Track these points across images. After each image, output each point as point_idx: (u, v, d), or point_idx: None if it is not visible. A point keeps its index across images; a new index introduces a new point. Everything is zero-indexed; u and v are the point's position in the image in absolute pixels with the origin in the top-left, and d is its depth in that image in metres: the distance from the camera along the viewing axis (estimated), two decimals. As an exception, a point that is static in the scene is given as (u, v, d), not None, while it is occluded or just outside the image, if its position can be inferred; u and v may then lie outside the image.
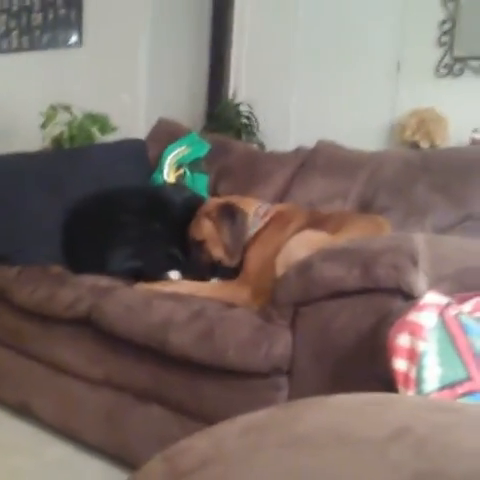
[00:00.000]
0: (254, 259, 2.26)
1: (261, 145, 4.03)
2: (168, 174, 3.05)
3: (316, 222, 2.23)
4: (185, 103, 4.52)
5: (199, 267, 2.38)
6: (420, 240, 1.63)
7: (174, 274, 2.35)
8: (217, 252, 2.38)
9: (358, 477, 0.60)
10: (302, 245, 1.97)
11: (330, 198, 2.61)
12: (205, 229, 2.41)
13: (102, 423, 2.14)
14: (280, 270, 1.90)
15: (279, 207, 2.47)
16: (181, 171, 3.03)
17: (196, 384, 1.90)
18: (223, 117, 4.08)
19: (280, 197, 2.69)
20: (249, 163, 2.94)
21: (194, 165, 3.03)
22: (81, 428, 2.22)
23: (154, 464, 0.74)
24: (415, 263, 1.53)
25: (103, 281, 2.25)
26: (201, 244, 2.41)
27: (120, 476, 2.11)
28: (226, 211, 2.41)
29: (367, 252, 1.61)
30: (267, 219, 2.40)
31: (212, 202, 2.52)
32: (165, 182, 3.01)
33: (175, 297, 2.05)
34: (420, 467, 0.60)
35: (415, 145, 3.59)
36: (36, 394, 2.36)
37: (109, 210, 2.56)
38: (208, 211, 2.43)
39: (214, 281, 2.31)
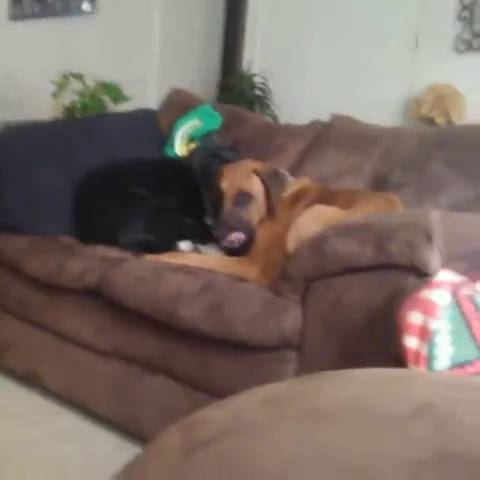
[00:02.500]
0: (264, 235, 2.25)
1: (274, 118, 3.99)
2: (180, 148, 3.02)
3: (327, 198, 2.21)
4: (198, 73, 4.48)
5: (232, 222, 2.26)
6: (435, 217, 1.61)
7: (185, 245, 2.34)
8: (261, 209, 2.33)
9: (379, 452, 0.60)
10: (313, 220, 1.96)
11: (343, 172, 2.58)
12: (255, 184, 2.34)
13: (110, 394, 2.15)
14: (291, 245, 1.89)
15: (292, 183, 2.44)
16: (193, 145, 3.00)
17: (204, 357, 1.90)
18: (236, 88, 4.04)
19: (293, 170, 2.66)
20: (263, 135, 2.92)
21: (206, 138, 3.00)
22: (89, 398, 2.23)
23: (171, 434, 0.74)
24: (430, 240, 1.52)
25: (113, 252, 2.25)
26: (249, 198, 2.32)
27: (128, 446, 2.12)
28: (275, 172, 2.38)
29: (381, 228, 1.59)
30: None
31: (251, 162, 2.46)
32: (177, 156, 2.99)
33: (185, 270, 2.04)
34: (442, 445, 0.60)
35: (431, 121, 3.55)
36: (45, 364, 2.37)
37: (121, 182, 2.56)
38: (256, 168, 2.37)
39: (223, 256, 2.29)
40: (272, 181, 2.34)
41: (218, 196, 2.35)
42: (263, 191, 2.34)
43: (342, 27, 4.05)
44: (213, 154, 2.65)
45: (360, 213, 1.97)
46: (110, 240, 2.35)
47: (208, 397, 1.89)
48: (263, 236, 2.24)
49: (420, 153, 2.47)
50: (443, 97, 3.53)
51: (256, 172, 2.36)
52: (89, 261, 2.18)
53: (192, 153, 2.90)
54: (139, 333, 2.05)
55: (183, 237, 2.39)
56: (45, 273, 2.26)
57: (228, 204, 2.31)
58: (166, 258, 2.17)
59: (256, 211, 2.32)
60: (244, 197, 2.32)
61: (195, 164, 2.65)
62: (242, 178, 2.35)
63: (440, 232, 1.56)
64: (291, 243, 1.90)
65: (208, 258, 2.23)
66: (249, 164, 2.42)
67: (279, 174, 2.39)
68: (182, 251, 2.32)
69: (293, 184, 2.40)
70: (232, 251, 2.27)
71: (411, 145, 2.52)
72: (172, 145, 3.02)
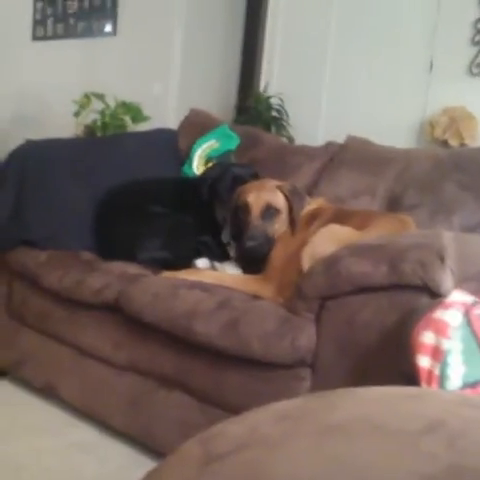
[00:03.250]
0: (280, 253, 2.27)
1: (291, 139, 4.03)
2: (197, 167, 3.07)
3: (341, 218, 2.23)
4: (216, 95, 4.54)
5: (258, 235, 2.29)
6: (448, 238, 1.63)
7: (202, 262, 2.37)
8: (284, 225, 2.36)
9: (392, 467, 0.61)
10: (328, 239, 1.98)
11: (358, 193, 2.61)
12: (281, 200, 2.37)
13: (126, 407, 2.18)
14: (306, 264, 1.91)
15: (308, 202, 2.47)
16: (210, 165, 3.04)
17: (219, 373, 1.92)
18: (254, 110, 4.09)
19: (309, 190, 2.69)
20: (279, 156, 2.95)
21: (223, 159, 3.04)
22: (105, 411, 2.25)
23: (189, 447, 0.75)
24: (442, 260, 1.53)
25: (132, 269, 2.28)
26: (276, 212, 2.35)
27: (142, 459, 2.14)
28: (296, 189, 2.42)
29: (395, 248, 1.62)
30: None
31: (272, 180, 2.49)
32: (195, 175, 3.03)
33: (201, 287, 2.07)
34: (454, 461, 0.61)
35: (445, 143, 3.58)
36: (62, 377, 2.40)
37: (140, 200, 2.60)
38: (279, 185, 2.40)
39: (239, 273, 2.32)
40: (294, 197, 2.38)
41: (241, 210, 2.37)
42: (286, 207, 2.37)
43: (358, 50, 4.10)
44: (225, 170, 2.69)
45: (374, 233, 1.98)
46: (129, 257, 2.39)
47: (223, 413, 1.91)
48: (279, 254, 2.26)
49: (434, 175, 2.49)
50: (457, 119, 3.55)
51: (280, 188, 2.39)
52: (108, 277, 2.21)
53: (206, 170, 2.94)
54: (156, 348, 2.07)
55: (200, 254, 2.42)
56: (64, 287, 2.29)
57: (255, 217, 2.33)
58: (183, 275, 2.20)
59: (280, 226, 2.35)
60: (272, 211, 2.34)
61: (207, 178, 2.69)
62: (269, 193, 2.38)
63: (452, 253, 1.57)
64: (306, 262, 1.92)
65: (224, 276, 2.25)
66: (272, 181, 2.46)
67: (299, 191, 2.43)
68: (199, 268, 2.35)
69: (309, 203, 2.43)
70: (249, 264, 2.31)
71: (425, 167, 2.54)
72: (190, 165, 3.06)
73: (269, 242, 2.30)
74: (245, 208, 2.36)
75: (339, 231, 2.07)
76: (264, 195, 2.36)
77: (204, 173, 2.91)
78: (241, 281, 2.20)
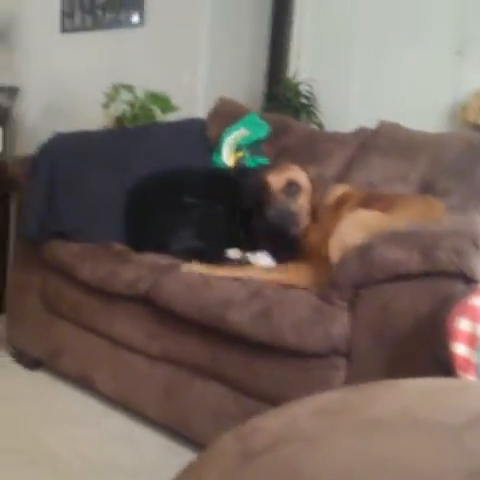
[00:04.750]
0: (311, 241, 2.25)
1: (320, 126, 4.00)
2: (228, 156, 3.06)
3: (369, 201, 2.20)
4: (244, 82, 4.51)
5: (282, 210, 2.24)
6: (482, 224, 1.62)
7: (234, 253, 2.37)
8: (307, 206, 2.31)
9: (434, 463, 0.60)
10: (355, 227, 1.95)
11: (390, 179, 2.58)
12: (304, 178, 2.34)
13: (160, 397, 2.19)
14: (334, 254, 1.89)
15: (334, 189, 2.44)
16: (241, 154, 3.03)
17: (253, 362, 1.92)
18: (283, 97, 4.06)
19: (340, 176, 2.68)
20: (309, 143, 2.92)
21: (254, 147, 3.03)
22: (140, 401, 2.27)
23: (225, 443, 0.74)
24: (477, 247, 1.52)
25: (164, 260, 2.28)
26: (298, 189, 2.30)
27: (177, 449, 2.16)
28: (320, 174, 2.40)
29: (429, 235, 1.60)
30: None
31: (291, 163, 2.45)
32: (225, 164, 3.03)
33: (233, 277, 2.07)
34: None
35: (477, 127, 3.52)
36: (97, 367, 2.42)
37: (173, 191, 2.59)
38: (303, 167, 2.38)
39: (271, 263, 2.28)
40: (316, 179, 2.35)
41: (262, 191, 2.31)
42: (310, 188, 2.33)
43: (387, 34, 4.04)
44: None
45: (401, 216, 1.96)
46: (161, 247, 2.39)
47: (257, 402, 1.92)
48: (310, 242, 2.25)
49: (467, 160, 2.46)
50: (489, 102, 3.50)
51: (304, 169, 2.36)
52: (140, 269, 2.22)
53: (240, 167, 2.93)
54: (189, 338, 2.08)
55: (232, 245, 2.41)
56: (97, 279, 2.31)
57: (277, 192, 2.28)
58: (216, 271, 2.15)
59: (304, 205, 2.30)
60: (294, 187, 2.29)
61: (246, 184, 2.66)
62: (290, 170, 2.35)
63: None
64: (334, 251, 1.90)
65: (257, 271, 2.18)
66: (293, 164, 2.43)
67: (323, 177, 2.40)
68: (230, 263, 2.31)
69: (335, 190, 2.41)
70: (271, 242, 2.28)
71: (457, 152, 2.51)
72: (220, 153, 3.05)
73: (292, 217, 2.25)
74: (266, 187, 2.31)
75: (366, 217, 2.04)
76: (285, 172, 2.33)
77: (239, 170, 2.88)
78: (274, 274, 2.16)
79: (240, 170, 2.87)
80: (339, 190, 2.41)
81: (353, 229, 1.92)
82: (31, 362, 2.75)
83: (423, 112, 3.66)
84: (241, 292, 1.95)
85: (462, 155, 2.49)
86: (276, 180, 2.31)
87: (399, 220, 1.92)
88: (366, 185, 2.56)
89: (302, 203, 2.30)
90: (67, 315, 2.52)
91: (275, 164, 2.55)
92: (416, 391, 0.79)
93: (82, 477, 2.00)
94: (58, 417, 2.36)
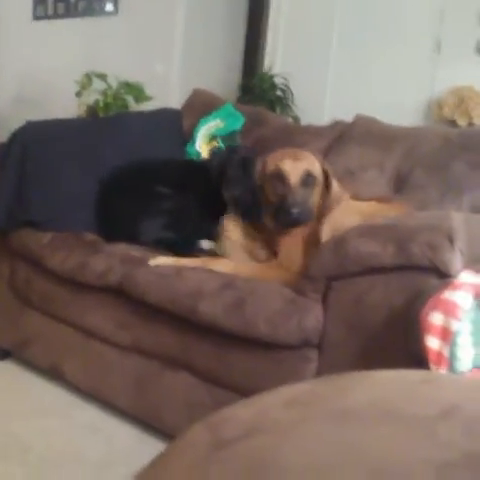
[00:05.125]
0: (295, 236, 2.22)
1: (295, 118, 4.00)
2: (201, 146, 3.04)
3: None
4: (219, 74, 4.49)
5: (299, 202, 2.10)
6: (457, 219, 1.62)
7: (206, 243, 2.36)
8: (318, 199, 2.19)
9: (406, 454, 0.60)
10: (349, 212, 1.95)
11: (366, 166, 2.59)
12: (318, 168, 2.19)
13: (131, 388, 2.17)
14: (325, 235, 1.88)
15: None
16: (214, 143, 3.01)
17: (225, 353, 1.92)
18: (258, 89, 4.05)
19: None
20: (285, 135, 2.91)
21: (229, 139, 3.01)
22: (111, 392, 2.25)
23: (196, 432, 0.73)
24: (452, 242, 1.52)
25: (135, 251, 2.26)
26: (314, 181, 2.16)
27: (148, 440, 2.15)
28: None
29: (404, 229, 1.60)
30: None
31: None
32: (199, 154, 3.01)
33: (204, 269, 2.05)
34: (470, 447, 0.60)
35: (453, 123, 3.54)
36: (67, 358, 2.40)
37: (144, 181, 2.58)
38: (320, 160, 2.26)
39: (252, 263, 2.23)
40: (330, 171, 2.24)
41: (275, 180, 2.17)
42: (322, 179, 2.21)
43: (364, 28, 4.05)
44: (233, 152, 2.66)
45: (395, 207, 1.97)
46: (132, 237, 2.37)
47: (229, 393, 1.91)
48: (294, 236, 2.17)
49: (442, 154, 2.47)
50: (465, 99, 3.52)
51: (320, 162, 2.24)
52: (111, 260, 2.19)
53: (212, 154, 2.92)
54: (160, 329, 2.07)
55: (205, 236, 2.40)
56: (67, 269, 2.28)
57: (295, 184, 2.13)
58: (184, 263, 2.13)
59: (316, 198, 2.18)
60: (310, 179, 2.15)
61: (213, 163, 2.66)
62: (306, 160, 2.20)
63: (462, 234, 1.56)
64: (325, 235, 1.89)
65: (240, 266, 2.13)
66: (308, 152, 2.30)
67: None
68: (202, 254, 2.30)
69: None
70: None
71: (433, 146, 2.52)
72: (193, 144, 3.03)
73: (310, 213, 2.12)
74: (280, 177, 2.16)
75: (361, 205, 2.05)
76: (302, 162, 2.18)
77: (210, 156, 2.89)
78: (246, 269, 2.11)
79: (214, 153, 2.86)
80: None
81: (347, 215, 1.92)
82: (-1, 352, 2.71)
83: (399, 108, 3.67)
84: (213, 283, 1.93)
85: (438, 149, 2.49)
86: (293, 170, 2.15)
87: (394, 210, 1.93)
88: (343, 172, 2.55)
89: (315, 196, 2.18)
90: (37, 305, 2.48)
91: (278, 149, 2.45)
92: (388, 382, 0.79)
93: (53, 469, 1.97)
94: (28, 408, 2.33)
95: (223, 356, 1.92)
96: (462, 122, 3.51)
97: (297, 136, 2.88)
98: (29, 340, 2.54)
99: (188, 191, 2.54)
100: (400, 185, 2.48)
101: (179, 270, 2.03)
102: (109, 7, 4.88)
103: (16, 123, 2.70)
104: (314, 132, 2.89)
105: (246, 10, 4.44)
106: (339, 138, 2.77)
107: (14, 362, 2.67)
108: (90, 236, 2.44)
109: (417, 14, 3.87)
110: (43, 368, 2.52)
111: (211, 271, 2.03)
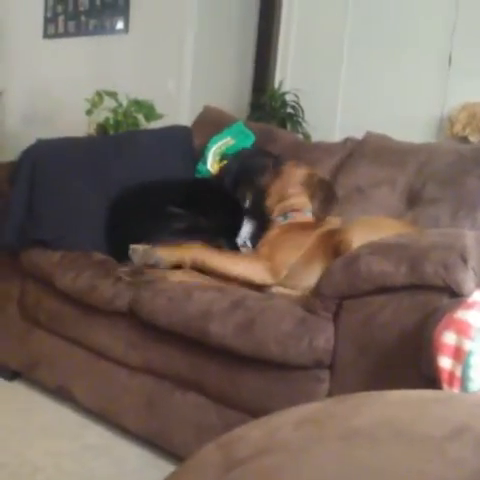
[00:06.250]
0: (280, 234, 2.30)
1: (306, 136, 3.99)
2: (212, 165, 3.03)
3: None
4: (230, 91, 4.51)
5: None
6: (470, 238, 1.60)
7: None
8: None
9: (417, 473, 0.60)
10: (378, 227, 1.98)
11: (378, 183, 2.58)
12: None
13: (141, 409, 2.15)
14: (357, 242, 1.88)
15: None
16: (225, 162, 3.01)
17: (235, 374, 1.90)
18: (268, 106, 4.06)
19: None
20: (296, 152, 2.90)
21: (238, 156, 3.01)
22: (120, 413, 2.23)
23: (208, 452, 0.73)
24: (465, 261, 1.50)
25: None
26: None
27: (157, 462, 2.13)
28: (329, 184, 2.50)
29: (416, 248, 1.58)
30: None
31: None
32: (210, 173, 3.00)
33: (216, 287, 2.04)
34: (479, 465, 0.60)
35: (464, 139, 3.52)
36: (76, 378, 2.38)
37: (155, 200, 2.56)
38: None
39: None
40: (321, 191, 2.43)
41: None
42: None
43: (375, 45, 4.05)
44: (247, 157, 2.71)
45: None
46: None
47: (240, 415, 1.89)
48: (276, 235, 2.31)
49: (455, 169, 2.45)
50: (477, 115, 3.50)
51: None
52: (120, 283, 2.17)
53: (223, 166, 2.93)
54: (170, 350, 2.05)
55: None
56: (76, 290, 2.26)
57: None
58: (175, 251, 2.17)
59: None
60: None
61: (229, 170, 2.68)
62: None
63: (475, 253, 1.54)
64: (356, 243, 1.88)
65: (214, 259, 2.20)
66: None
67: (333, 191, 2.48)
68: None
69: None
70: None
71: (446, 161, 2.50)
72: (205, 162, 3.03)
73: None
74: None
75: (393, 223, 2.11)
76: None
77: (220, 170, 2.89)
78: (230, 257, 2.21)
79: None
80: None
81: (376, 229, 1.91)
82: (8, 373, 2.69)
83: (410, 124, 3.67)
84: (223, 303, 1.91)
85: (451, 165, 2.48)
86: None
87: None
88: (354, 190, 2.59)
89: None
90: (46, 325, 2.47)
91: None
92: (399, 402, 0.79)
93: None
94: (37, 429, 2.31)
95: (233, 377, 1.90)
96: (473, 138, 3.50)
97: (307, 154, 2.88)
98: (38, 361, 2.52)
99: (200, 211, 2.53)
100: (412, 201, 2.47)
101: (189, 292, 2.01)
102: (120, 25, 4.92)
103: (26, 140, 2.71)
104: (324, 149, 2.88)
105: (256, 27, 4.45)
106: (350, 155, 2.77)
107: (23, 383, 2.65)
108: (99, 256, 2.42)
109: (428, 30, 3.87)
110: (52, 389, 2.50)
111: (222, 290, 2.01)
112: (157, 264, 2.12)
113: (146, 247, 2.14)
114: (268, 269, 2.12)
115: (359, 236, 1.91)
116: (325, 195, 2.40)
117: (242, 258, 2.24)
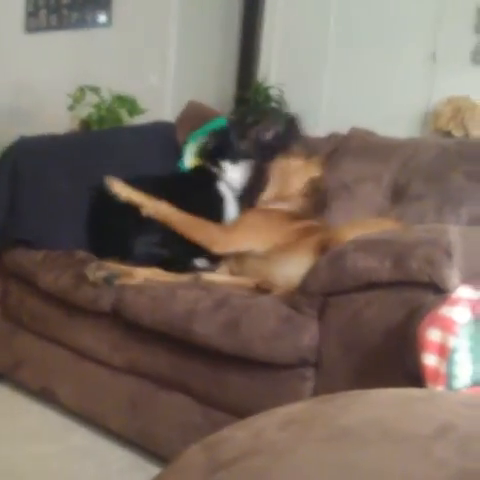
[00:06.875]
0: (253, 228, 2.30)
1: (290, 130, 3.97)
2: (190, 162, 2.98)
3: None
4: (214, 86, 4.48)
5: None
6: (455, 233, 1.59)
7: (201, 262, 2.33)
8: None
9: (403, 473, 0.60)
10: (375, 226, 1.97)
11: (363, 179, 2.57)
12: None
13: (125, 410, 2.14)
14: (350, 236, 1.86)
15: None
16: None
17: (220, 374, 1.89)
18: (252, 101, 4.03)
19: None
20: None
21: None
22: (104, 415, 2.21)
23: (193, 454, 0.73)
24: (450, 257, 1.50)
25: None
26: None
27: (142, 463, 2.11)
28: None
29: (401, 244, 1.58)
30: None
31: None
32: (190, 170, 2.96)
33: (199, 287, 2.03)
34: (465, 465, 0.60)
35: (449, 134, 3.51)
36: (59, 380, 2.36)
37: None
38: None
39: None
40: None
41: None
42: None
43: (359, 40, 4.03)
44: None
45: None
46: (124, 253, 2.32)
47: (224, 415, 1.88)
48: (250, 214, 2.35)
49: (440, 164, 2.45)
50: (461, 109, 3.49)
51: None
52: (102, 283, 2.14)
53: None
54: (154, 350, 2.03)
55: (200, 255, 2.37)
56: (59, 290, 2.24)
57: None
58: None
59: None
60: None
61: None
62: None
63: (460, 248, 1.53)
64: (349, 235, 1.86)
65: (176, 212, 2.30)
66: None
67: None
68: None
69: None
70: None
71: (431, 156, 2.50)
72: (184, 160, 2.98)
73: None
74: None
75: (381, 221, 2.15)
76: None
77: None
78: (191, 220, 2.28)
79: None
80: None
81: (368, 229, 1.91)
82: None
83: (395, 119, 3.65)
84: (207, 301, 1.90)
85: (436, 159, 2.48)
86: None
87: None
88: (339, 186, 2.58)
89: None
90: (29, 326, 2.45)
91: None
92: (385, 401, 0.79)
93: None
94: (20, 432, 2.29)
95: (218, 376, 1.89)
96: (458, 133, 3.48)
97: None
98: (21, 362, 2.50)
99: (184, 208, 2.51)
100: (398, 197, 2.47)
101: (172, 290, 1.99)
102: (102, 19, 4.87)
103: (7, 136, 2.68)
104: (309, 145, 2.85)
105: (240, 20, 4.42)
106: (334, 151, 2.76)
107: (5, 385, 2.62)
108: (82, 254, 2.40)
109: (412, 25, 3.85)
110: (35, 390, 2.48)
111: (206, 289, 1.99)
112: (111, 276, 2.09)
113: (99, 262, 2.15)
114: (218, 239, 2.14)
115: (351, 235, 1.90)
116: (317, 201, 2.40)
117: (202, 223, 2.28)
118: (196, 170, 2.81)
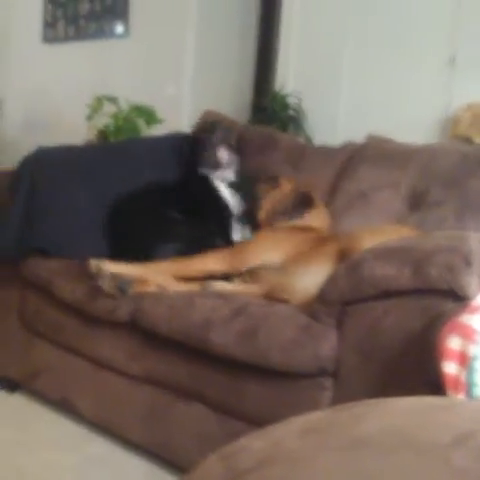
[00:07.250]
0: (265, 242, 2.30)
1: (308, 139, 3.96)
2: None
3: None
4: (231, 95, 4.48)
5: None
6: (475, 240, 1.57)
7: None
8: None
9: None
10: (387, 235, 1.94)
11: (381, 187, 2.55)
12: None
13: (142, 420, 2.13)
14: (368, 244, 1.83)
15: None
16: None
17: (238, 383, 1.87)
18: (270, 109, 4.03)
19: (329, 189, 2.65)
20: (296, 157, 2.89)
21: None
22: (122, 424, 2.21)
23: (211, 463, 0.73)
24: (469, 264, 1.48)
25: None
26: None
27: (159, 473, 2.11)
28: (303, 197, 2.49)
29: (420, 251, 1.56)
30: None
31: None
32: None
33: (217, 295, 2.02)
34: None
35: (468, 140, 3.49)
36: (77, 389, 2.36)
37: (156, 206, 2.55)
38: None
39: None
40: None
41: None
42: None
43: (377, 46, 4.01)
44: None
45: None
46: (146, 260, 2.32)
47: (242, 424, 1.86)
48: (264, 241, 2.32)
49: (459, 170, 2.43)
50: (481, 115, 3.47)
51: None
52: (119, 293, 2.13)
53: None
54: (172, 359, 2.03)
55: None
56: (77, 300, 2.24)
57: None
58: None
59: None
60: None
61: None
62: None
63: (478, 255, 1.51)
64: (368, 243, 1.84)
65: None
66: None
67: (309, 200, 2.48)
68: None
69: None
70: None
71: (450, 162, 2.48)
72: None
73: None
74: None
75: (395, 228, 2.13)
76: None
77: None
78: (201, 258, 2.23)
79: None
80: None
81: (385, 236, 1.89)
82: (8, 384, 2.66)
83: (413, 125, 3.63)
84: (225, 310, 1.89)
85: (455, 166, 2.45)
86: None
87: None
88: (357, 194, 2.57)
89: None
90: (46, 335, 2.45)
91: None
92: (404, 410, 0.78)
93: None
94: (37, 441, 2.29)
95: (236, 386, 1.88)
96: (478, 139, 3.45)
97: (308, 157, 2.86)
98: (39, 372, 2.50)
99: (201, 215, 2.51)
100: (416, 204, 2.44)
101: (190, 299, 1.99)
102: (120, 30, 4.90)
103: (27, 147, 2.70)
104: (326, 154, 2.86)
105: (257, 29, 4.43)
106: (351, 159, 2.74)
107: (23, 394, 2.63)
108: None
109: (430, 30, 3.83)
110: (53, 400, 2.48)
111: (223, 297, 1.99)
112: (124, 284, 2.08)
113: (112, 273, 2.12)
114: (231, 261, 2.16)
115: (369, 243, 1.88)
116: (300, 199, 2.42)
117: (210, 253, 2.25)
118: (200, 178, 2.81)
